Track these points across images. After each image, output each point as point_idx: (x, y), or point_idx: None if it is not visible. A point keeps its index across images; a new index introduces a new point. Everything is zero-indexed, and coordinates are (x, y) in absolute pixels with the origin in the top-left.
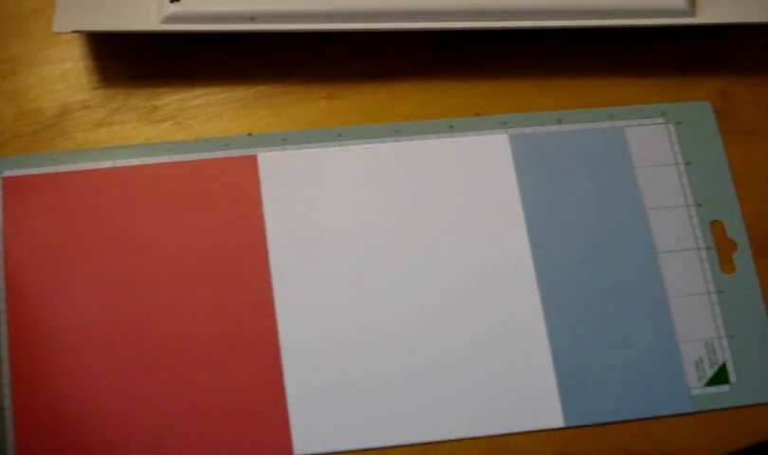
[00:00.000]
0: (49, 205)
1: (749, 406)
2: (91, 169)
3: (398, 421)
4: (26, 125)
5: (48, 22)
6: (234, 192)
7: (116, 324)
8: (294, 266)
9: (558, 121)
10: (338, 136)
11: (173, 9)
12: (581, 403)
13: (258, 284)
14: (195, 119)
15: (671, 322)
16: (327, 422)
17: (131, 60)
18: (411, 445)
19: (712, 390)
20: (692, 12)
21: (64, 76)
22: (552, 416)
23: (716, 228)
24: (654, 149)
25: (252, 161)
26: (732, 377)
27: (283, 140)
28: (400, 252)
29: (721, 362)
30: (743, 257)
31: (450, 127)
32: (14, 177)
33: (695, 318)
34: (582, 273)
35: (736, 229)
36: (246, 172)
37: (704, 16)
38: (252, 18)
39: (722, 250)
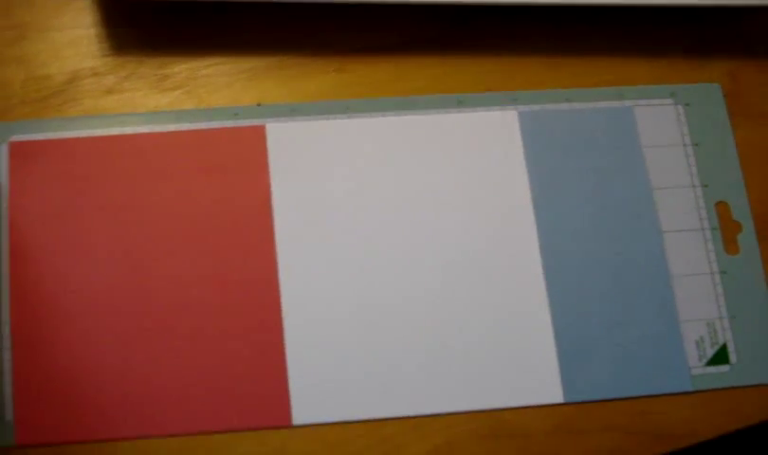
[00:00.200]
0: (56, 170)
1: (749, 386)
2: (99, 135)
3: (397, 393)
4: (34, 91)
5: None
6: (242, 162)
7: (119, 291)
8: (299, 237)
9: (568, 99)
10: (347, 108)
11: None
12: (581, 379)
13: (262, 255)
14: (205, 88)
15: (674, 301)
16: (326, 393)
17: (142, 28)
18: (409, 418)
19: (712, 369)
20: None
21: (74, 42)
22: (552, 392)
23: (721, 210)
24: (662, 129)
25: (261, 131)
26: (732, 358)
27: (292, 111)
28: (405, 226)
29: (721, 342)
30: (748, 239)
31: (459, 102)
32: (22, 142)
33: (697, 297)
34: (587, 250)
35: (741, 211)
36: (255, 143)
37: None
38: None
39: (727, 231)
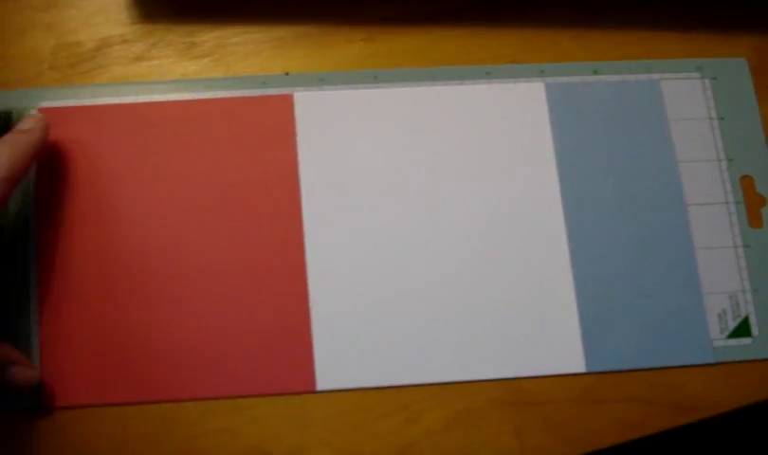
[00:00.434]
0: (84, 137)
1: None
2: (128, 103)
3: (419, 361)
4: (63, 57)
5: None
6: (269, 131)
7: (145, 256)
8: (325, 206)
9: (595, 72)
10: (375, 78)
11: None
12: (603, 349)
13: (289, 223)
14: (233, 57)
15: (697, 274)
16: (350, 359)
17: None
18: (430, 385)
19: (734, 342)
20: None
21: (103, 9)
22: (574, 361)
23: (746, 184)
24: (689, 103)
25: (288, 100)
26: (754, 330)
27: (320, 80)
28: (430, 195)
29: (743, 315)
30: None
31: (487, 73)
32: (51, 108)
33: (720, 270)
34: (611, 222)
35: (765, 185)
36: (282, 111)
37: None
38: None
39: (751, 205)
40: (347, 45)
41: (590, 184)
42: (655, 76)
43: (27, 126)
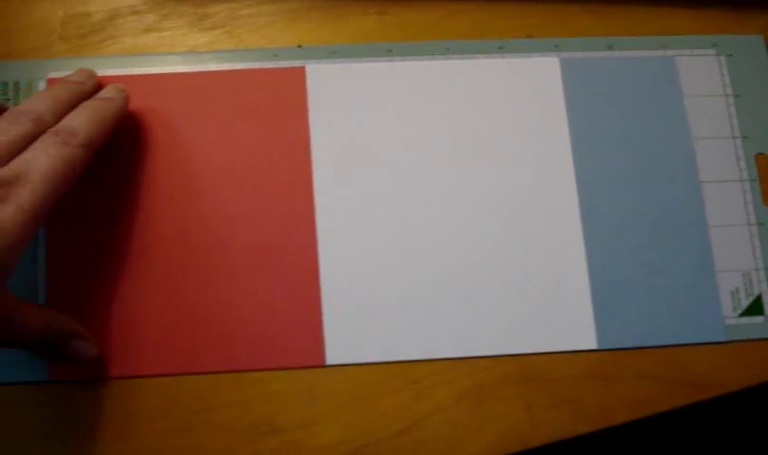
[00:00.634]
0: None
1: None
2: (138, 74)
3: (429, 336)
4: (73, 28)
5: None
6: (281, 103)
7: (155, 228)
8: (336, 179)
9: (610, 47)
10: (388, 51)
11: None
12: (615, 326)
13: (299, 197)
14: (245, 29)
15: (710, 251)
16: (360, 334)
17: None
18: (439, 361)
19: (746, 320)
20: None
21: None
22: (585, 338)
23: (760, 161)
24: (704, 79)
25: (300, 73)
26: (767, 309)
27: (332, 53)
28: (443, 169)
29: (756, 293)
30: None
31: (501, 48)
32: (59, 79)
33: (734, 248)
34: (625, 198)
35: None
36: (294, 84)
37: None
38: None
39: (765, 183)
40: (361, 17)
41: (603, 160)
42: (670, 52)
43: (109, 94)
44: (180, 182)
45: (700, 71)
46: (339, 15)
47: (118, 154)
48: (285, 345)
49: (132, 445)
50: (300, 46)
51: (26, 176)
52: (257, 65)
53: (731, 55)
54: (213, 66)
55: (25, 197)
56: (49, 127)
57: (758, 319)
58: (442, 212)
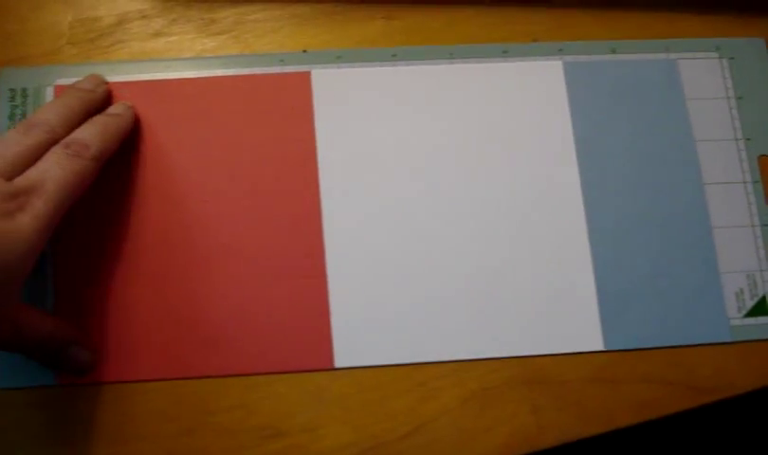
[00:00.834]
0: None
1: None
2: (145, 80)
3: (436, 339)
4: (82, 32)
5: None
6: (287, 108)
7: (162, 233)
8: (343, 183)
9: (613, 51)
10: (393, 56)
11: None
12: (621, 328)
13: (306, 201)
14: (252, 34)
15: (714, 253)
16: (368, 337)
17: None
18: (446, 363)
19: (751, 321)
20: None
21: None
22: (592, 340)
23: (763, 163)
24: (706, 82)
25: (306, 78)
26: None
27: (338, 58)
28: (448, 173)
29: (761, 294)
30: None
31: (505, 52)
32: (67, 86)
33: (738, 249)
34: (629, 200)
35: None
36: (300, 89)
37: None
38: None
39: None
40: (366, 23)
41: (608, 163)
42: (673, 55)
43: (117, 111)
44: (186, 186)
45: (702, 74)
46: (346, 21)
47: (125, 160)
48: (294, 348)
49: (138, 447)
50: (305, 51)
51: (41, 187)
52: (263, 70)
53: (733, 58)
54: (220, 72)
55: (40, 207)
56: (61, 138)
57: (763, 320)
58: (447, 215)
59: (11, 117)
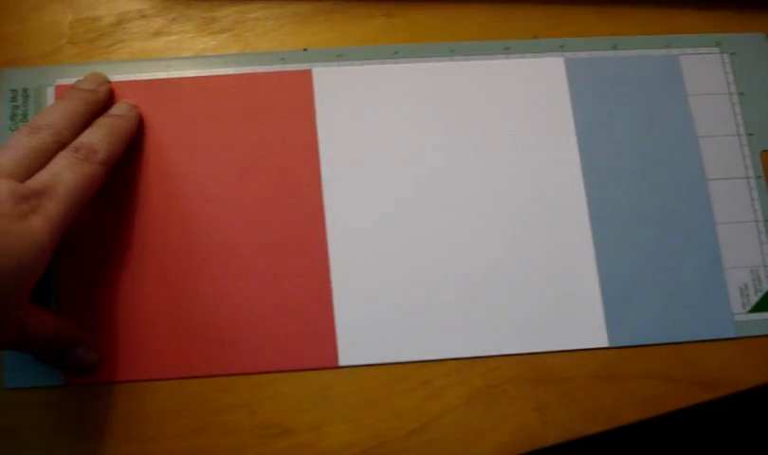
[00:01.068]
0: (101, 114)
1: None
2: (146, 79)
3: (440, 336)
4: (82, 32)
5: None
6: (288, 107)
7: (165, 233)
8: (345, 181)
9: (614, 47)
10: (395, 53)
11: None
12: (626, 324)
13: (308, 199)
14: (252, 32)
15: (718, 248)
16: (372, 335)
17: None
18: (451, 361)
19: (756, 316)
20: None
21: None
22: (596, 336)
23: (766, 158)
24: (708, 78)
25: (307, 76)
26: None
27: (339, 56)
28: (450, 170)
29: (765, 289)
30: None
31: (506, 49)
32: (68, 86)
33: (741, 245)
34: (632, 197)
35: None
36: (301, 87)
37: None
38: None
39: None
40: (367, 20)
41: (610, 159)
42: (674, 51)
43: (121, 111)
44: (189, 186)
45: (704, 70)
46: (346, 18)
47: (127, 160)
48: (298, 347)
49: (143, 447)
50: (306, 50)
51: (52, 190)
52: (264, 69)
53: (734, 53)
54: (220, 70)
55: (52, 210)
56: (67, 140)
57: (767, 315)
58: (450, 213)
59: (13, 117)
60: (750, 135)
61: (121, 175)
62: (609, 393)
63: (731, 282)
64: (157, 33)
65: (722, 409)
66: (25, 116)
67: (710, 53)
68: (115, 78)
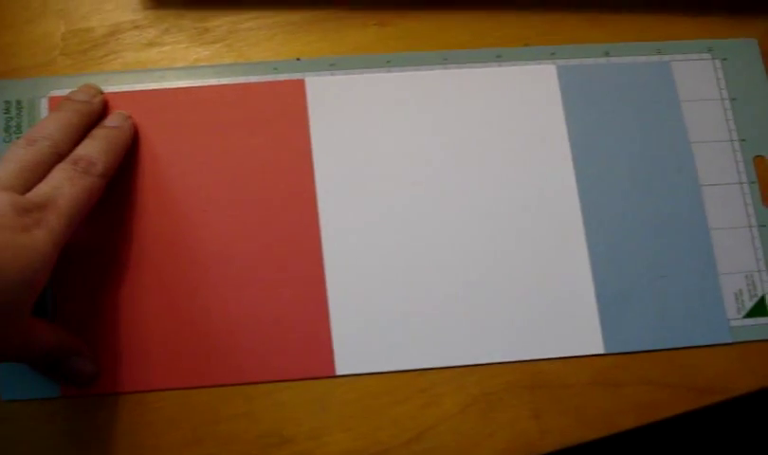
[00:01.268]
0: (96, 125)
1: None
2: (139, 90)
3: (436, 344)
4: (75, 44)
5: None
6: (281, 116)
7: (160, 243)
8: (339, 190)
9: (606, 54)
10: (387, 62)
11: None
12: (621, 330)
13: (303, 207)
14: (245, 42)
15: (712, 254)
16: (368, 343)
17: None
18: (447, 369)
19: (751, 321)
20: None
21: None
22: (592, 343)
23: (759, 164)
24: (700, 84)
25: (300, 85)
26: None
27: (332, 65)
28: (444, 178)
29: (760, 294)
30: None
31: (498, 56)
32: (62, 98)
33: (736, 250)
34: (626, 203)
35: None
36: (294, 97)
37: None
38: None
39: (765, 185)
40: (360, 29)
41: (603, 166)
42: (666, 57)
43: (116, 122)
44: (183, 196)
45: (696, 75)
46: (338, 27)
47: (122, 171)
48: (295, 356)
49: None
50: (299, 59)
51: (53, 203)
52: (257, 79)
53: (726, 59)
54: (213, 81)
55: (53, 222)
56: (64, 152)
57: (762, 321)
58: (444, 221)
59: (7, 129)
60: (743, 140)
61: (116, 186)
62: (605, 400)
63: (726, 288)
64: (150, 44)
65: (719, 414)
66: (19, 127)
67: (702, 59)
68: (108, 89)
